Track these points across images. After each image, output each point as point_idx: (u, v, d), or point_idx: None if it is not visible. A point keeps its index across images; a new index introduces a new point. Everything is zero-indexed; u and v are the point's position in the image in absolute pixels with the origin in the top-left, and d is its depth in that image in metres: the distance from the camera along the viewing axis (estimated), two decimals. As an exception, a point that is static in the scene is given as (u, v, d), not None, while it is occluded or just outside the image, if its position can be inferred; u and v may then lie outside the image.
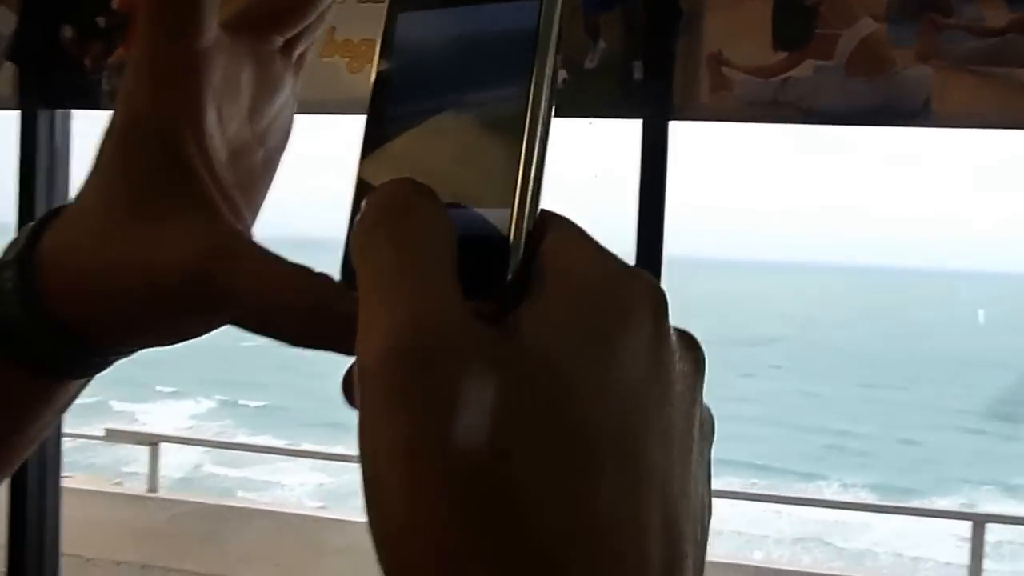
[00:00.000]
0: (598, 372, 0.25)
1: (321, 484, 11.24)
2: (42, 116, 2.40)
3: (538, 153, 0.29)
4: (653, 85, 2.04)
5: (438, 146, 0.30)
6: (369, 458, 0.25)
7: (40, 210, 2.35)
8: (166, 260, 0.32)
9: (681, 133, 2.04)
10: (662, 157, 2.01)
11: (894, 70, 1.99)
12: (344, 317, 0.28)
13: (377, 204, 0.27)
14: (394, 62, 0.31)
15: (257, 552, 4.38)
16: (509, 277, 0.27)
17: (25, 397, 0.35)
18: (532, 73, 0.29)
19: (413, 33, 0.31)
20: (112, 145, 0.34)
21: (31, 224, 0.35)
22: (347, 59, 2.18)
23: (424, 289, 0.25)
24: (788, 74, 2.02)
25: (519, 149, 0.28)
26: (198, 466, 11.07)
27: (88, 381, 0.36)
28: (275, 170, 0.39)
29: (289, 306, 0.32)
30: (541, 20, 0.29)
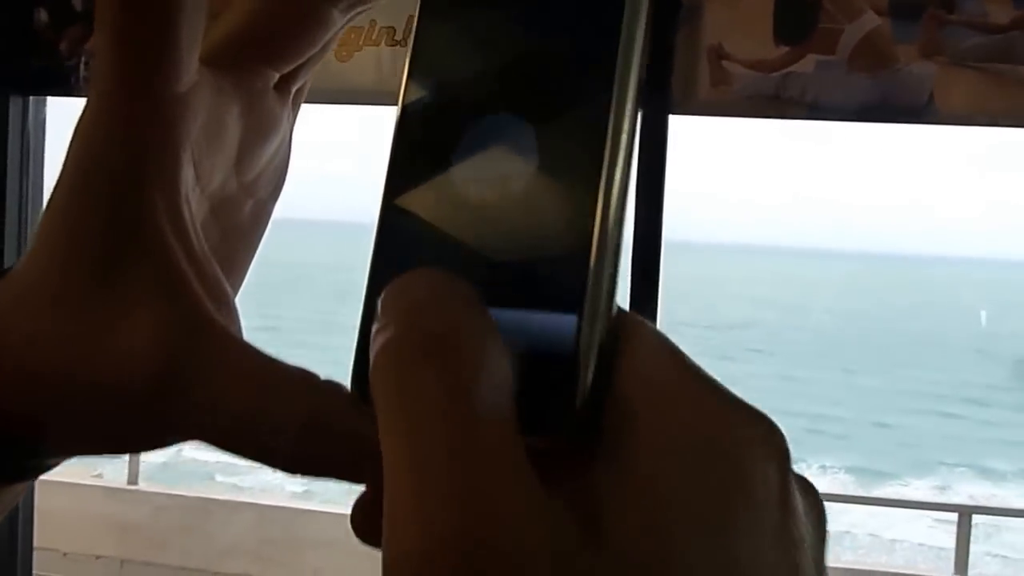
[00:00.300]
0: (723, 550, 0.20)
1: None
2: (14, 103, 2.32)
3: (616, 222, 0.22)
4: (652, 79, 1.99)
5: (482, 189, 0.23)
6: None
7: (12, 201, 2.28)
8: (119, 361, 0.26)
9: (675, 124, 1.99)
10: (661, 152, 1.97)
11: (897, 66, 1.96)
12: (352, 438, 0.24)
13: (407, 323, 0.21)
14: (429, 70, 0.25)
15: (240, 545, 4.34)
16: (578, 405, 0.21)
17: None
18: (610, 111, 0.23)
19: (455, 37, 0.25)
20: (61, 203, 0.27)
21: None
22: (334, 47, 2.12)
23: (481, 470, 0.19)
24: (790, 68, 1.98)
25: (592, 215, 0.22)
26: (178, 450, 11.00)
27: (29, 483, 0.30)
28: (266, 223, 0.32)
29: (277, 422, 0.25)
30: (623, 33, 0.23)
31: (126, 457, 4.88)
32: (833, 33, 1.97)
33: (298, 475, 0.26)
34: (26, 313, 0.27)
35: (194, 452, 11.54)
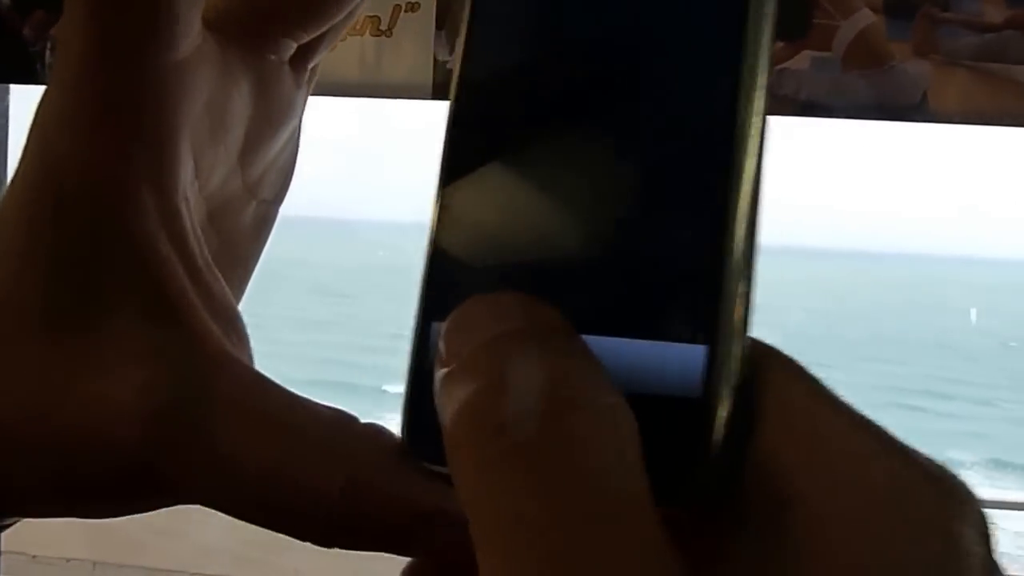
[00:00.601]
0: None
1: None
2: (-24, 91, 2.26)
3: (748, 235, 0.18)
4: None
5: (568, 191, 0.19)
6: None
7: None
8: (97, 414, 0.20)
9: None
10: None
11: (891, 64, 1.95)
12: (405, 502, 0.19)
13: (493, 373, 0.16)
14: (493, 51, 0.20)
15: (216, 546, 4.28)
16: (711, 463, 0.17)
17: None
18: (739, 93, 0.19)
19: (523, 12, 0.20)
20: (18, 211, 0.21)
21: None
22: (358, 16, 2.08)
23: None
24: (785, 65, 1.96)
25: (718, 223, 0.18)
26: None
27: None
28: (269, 232, 0.27)
29: (310, 483, 0.20)
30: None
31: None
32: (828, 29, 1.95)
33: (336, 548, 0.21)
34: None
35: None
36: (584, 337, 0.17)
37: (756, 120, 0.19)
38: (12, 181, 0.21)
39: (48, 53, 2.21)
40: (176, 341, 0.21)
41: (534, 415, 0.15)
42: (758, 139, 0.19)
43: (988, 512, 0.17)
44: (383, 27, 2.06)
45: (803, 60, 1.96)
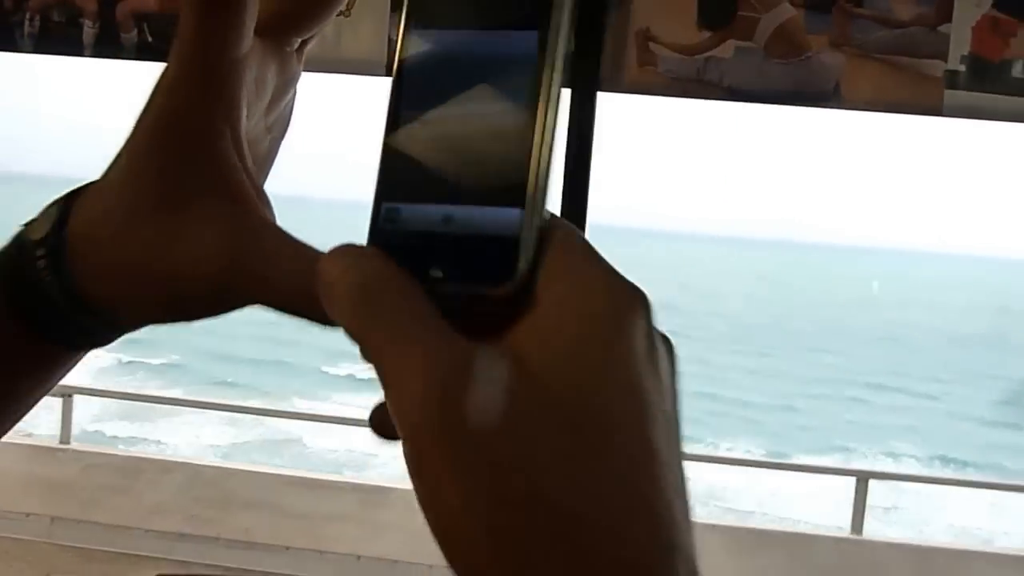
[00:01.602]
0: (605, 376, 0.29)
1: (230, 444, 11.12)
2: (-41, 59, 2.32)
3: (548, 156, 0.31)
4: (583, 58, 2.11)
5: (457, 129, 0.32)
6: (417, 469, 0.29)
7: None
8: (206, 253, 0.35)
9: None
10: (589, 127, 2.09)
11: (808, 54, 2.11)
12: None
13: (347, 280, 0.30)
14: (417, 45, 0.33)
15: (170, 504, 4.35)
16: (522, 272, 0.30)
17: (42, 361, 0.38)
18: (541, 70, 0.32)
19: (432, 22, 0.33)
20: (147, 135, 0.36)
21: (56, 202, 0.37)
22: None
23: (431, 345, 0.29)
24: (711, 53, 2.12)
25: (531, 150, 0.31)
26: (97, 420, 10.81)
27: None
28: (275, 156, 0.42)
29: (306, 290, 0.33)
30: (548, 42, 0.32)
31: (58, 417, 4.85)
32: (751, 21, 2.11)
33: (328, 326, 0.34)
34: (116, 223, 0.35)
35: (115, 425, 11.35)
36: (459, 206, 0.30)
37: (554, 89, 0.31)
38: (139, 118, 0.36)
39: (27, 23, 2.28)
40: (240, 213, 0.35)
41: (374, 297, 0.30)
42: (559, 83, 0.32)
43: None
44: (343, 8, 2.18)
45: (727, 49, 2.12)
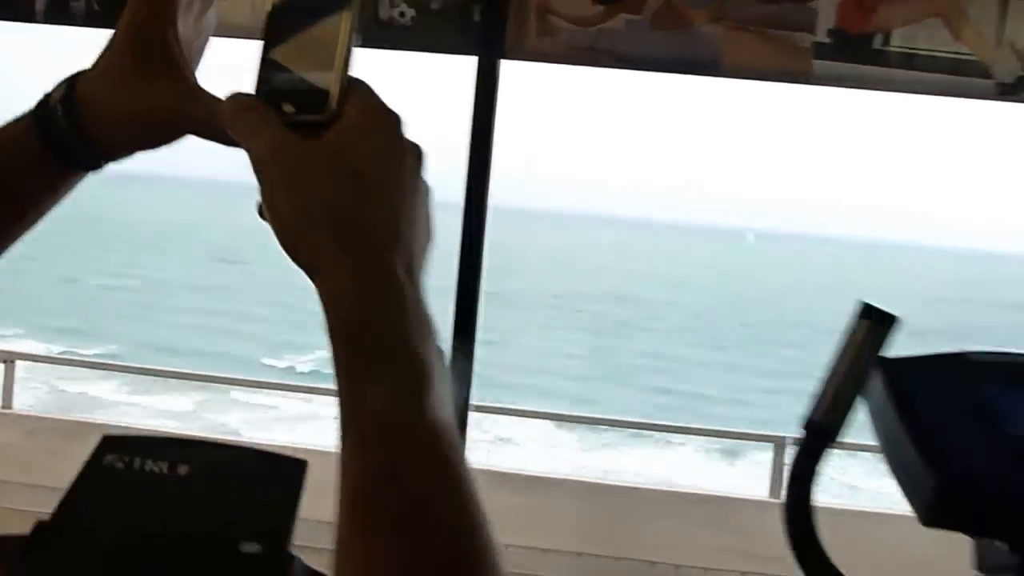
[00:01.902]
0: (376, 147, 0.52)
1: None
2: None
3: (349, 45, 0.53)
4: (489, 27, 2.32)
5: (306, 42, 0.54)
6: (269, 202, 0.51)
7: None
8: (163, 104, 0.58)
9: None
10: (492, 91, 2.31)
11: (692, 27, 2.35)
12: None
13: (233, 107, 0.53)
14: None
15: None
16: (333, 108, 0.52)
17: (57, 180, 0.60)
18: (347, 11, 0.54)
19: None
20: (122, 33, 0.58)
21: (67, 77, 0.59)
22: None
23: (274, 132, 0.52)
24: (604, 24, 2.35)
25: (340, 45, 0.53)
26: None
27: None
28: (204, 52, 0.63)
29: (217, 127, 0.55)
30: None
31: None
32: (640, -3, 2.34)
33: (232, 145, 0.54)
34: (108, 87, 0.58)
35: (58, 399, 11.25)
36: (300, 72, 0.53)
37: (353, 13, 0.54)
38: (119, 25, 0.58)
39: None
40: (183, 78, 0.58)
41: (241, 116, 0.54)
42: (352, 20, 0.53)
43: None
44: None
45: (619, 21, 2.34)
